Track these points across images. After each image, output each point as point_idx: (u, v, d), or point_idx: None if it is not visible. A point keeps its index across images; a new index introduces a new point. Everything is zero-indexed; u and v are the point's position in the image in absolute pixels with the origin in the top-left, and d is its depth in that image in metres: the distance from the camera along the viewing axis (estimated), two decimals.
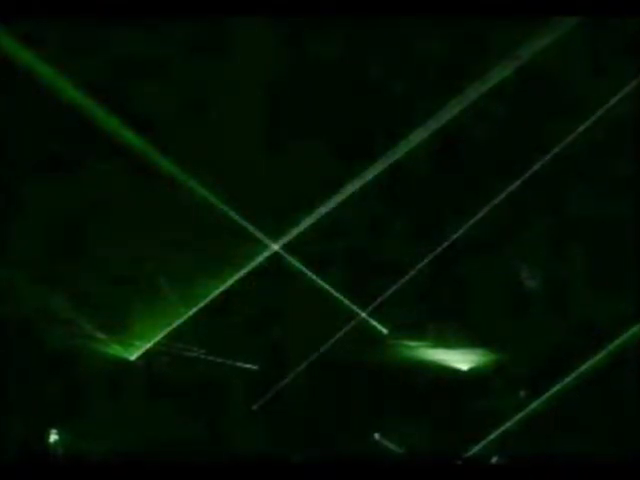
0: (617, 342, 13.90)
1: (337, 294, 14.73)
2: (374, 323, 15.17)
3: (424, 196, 14.29)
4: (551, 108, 13.56)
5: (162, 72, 13.36)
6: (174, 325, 14.70)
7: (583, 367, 14.00)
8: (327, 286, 14.65)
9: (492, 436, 14.16)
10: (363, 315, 15.00)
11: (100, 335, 14.80)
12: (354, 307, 14.92)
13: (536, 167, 13.57)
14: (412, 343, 15.54)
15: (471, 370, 15.42)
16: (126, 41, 12.93)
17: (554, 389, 14.12)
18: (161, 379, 14.88)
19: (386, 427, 14.78)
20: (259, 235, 14.24)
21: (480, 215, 13.95)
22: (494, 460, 14.04)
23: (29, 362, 14.25)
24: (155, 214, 14.06)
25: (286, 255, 14.46)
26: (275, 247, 14.42)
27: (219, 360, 15.06)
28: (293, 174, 13.81)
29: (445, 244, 14.26)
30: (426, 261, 14.37)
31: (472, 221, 14.01)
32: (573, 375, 14.00)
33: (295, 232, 14.26)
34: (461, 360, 15.40)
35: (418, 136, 13.44)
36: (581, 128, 13.28)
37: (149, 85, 13.37)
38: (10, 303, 14.06)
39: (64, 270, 14.29)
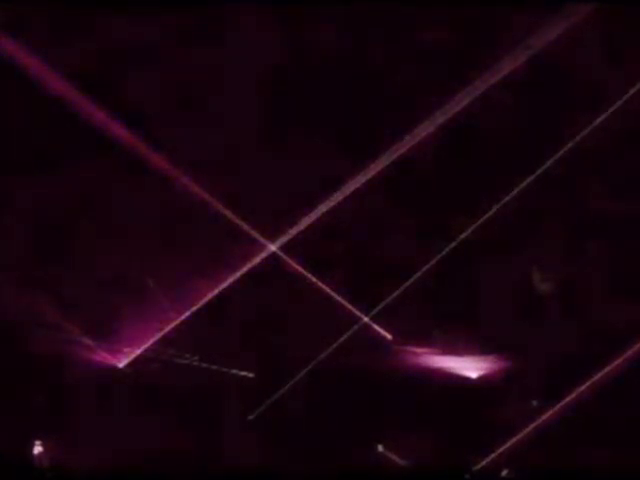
0: (636, 348, 13.75)
1: (338, 297, 14.60)
2: (377, 328, 15.00)
3: (431, 194, 14.22)
4: (565, 100, 13.50)
5: (154, 62, 13.34)
6: (166, 330, 14.63)
7: (599, 375, 13.83)
8: (328, 289, 14.52)
9: (502, 448, 13.98)
10: (366, 320, 14.83)
11: (87, 341, 14.65)
12: (356, 311, 14.77)
13: (550, 162, 13.50)
14: (418, 349, 15.35)
15: (481, 378, 15.20)
16: (120, 29, 12.95)
17: (569, 398, 13.95)
18: (152, 387, 14.70)
19: (390, 438, 14.57)
20: (256, 235, 14.12)
21: (490, 214, 13.88)
22: (504, 474, 13.90)
23: (12, 369, 14.13)
24: (147, 214, 14.01)
25: (284, 256, 14.34)
26: (273, 247, 14.31)
27: (213, 367, 14.92)
28: (292, 170, 13.75)
29: (453, 244, 14.14)
30: (433, 262, 14.24)
31: (482, 220, 13.92)
32: (589, 384, 13.84)
33: (294, 232, 14.14)
34: (470, 367, 15.19)
35: (424, 130, 13.41)
36: (597, 121, 13.22)
37: (140, 76, 13.36)
38: None
39: (50, 272, 14.22)
